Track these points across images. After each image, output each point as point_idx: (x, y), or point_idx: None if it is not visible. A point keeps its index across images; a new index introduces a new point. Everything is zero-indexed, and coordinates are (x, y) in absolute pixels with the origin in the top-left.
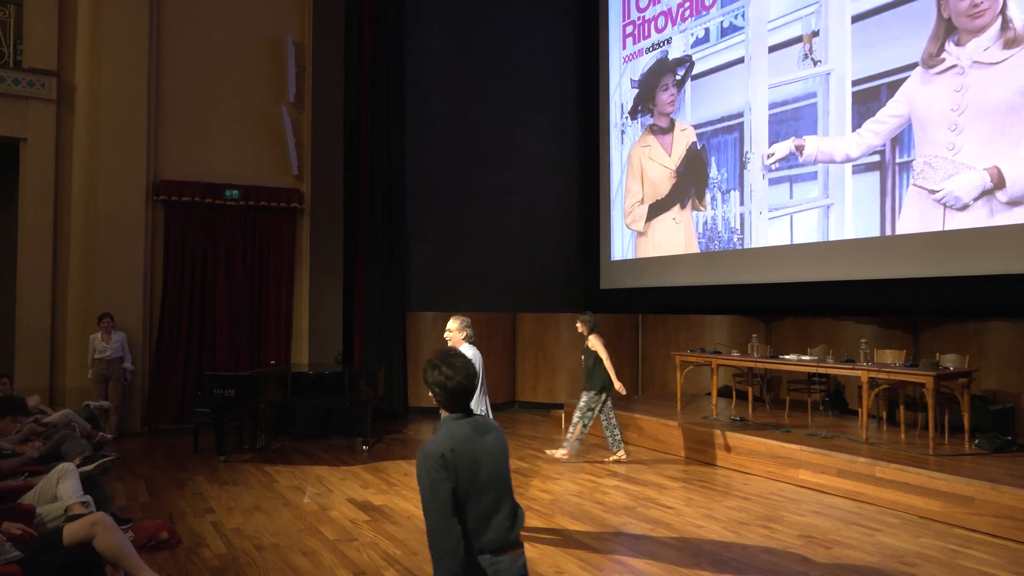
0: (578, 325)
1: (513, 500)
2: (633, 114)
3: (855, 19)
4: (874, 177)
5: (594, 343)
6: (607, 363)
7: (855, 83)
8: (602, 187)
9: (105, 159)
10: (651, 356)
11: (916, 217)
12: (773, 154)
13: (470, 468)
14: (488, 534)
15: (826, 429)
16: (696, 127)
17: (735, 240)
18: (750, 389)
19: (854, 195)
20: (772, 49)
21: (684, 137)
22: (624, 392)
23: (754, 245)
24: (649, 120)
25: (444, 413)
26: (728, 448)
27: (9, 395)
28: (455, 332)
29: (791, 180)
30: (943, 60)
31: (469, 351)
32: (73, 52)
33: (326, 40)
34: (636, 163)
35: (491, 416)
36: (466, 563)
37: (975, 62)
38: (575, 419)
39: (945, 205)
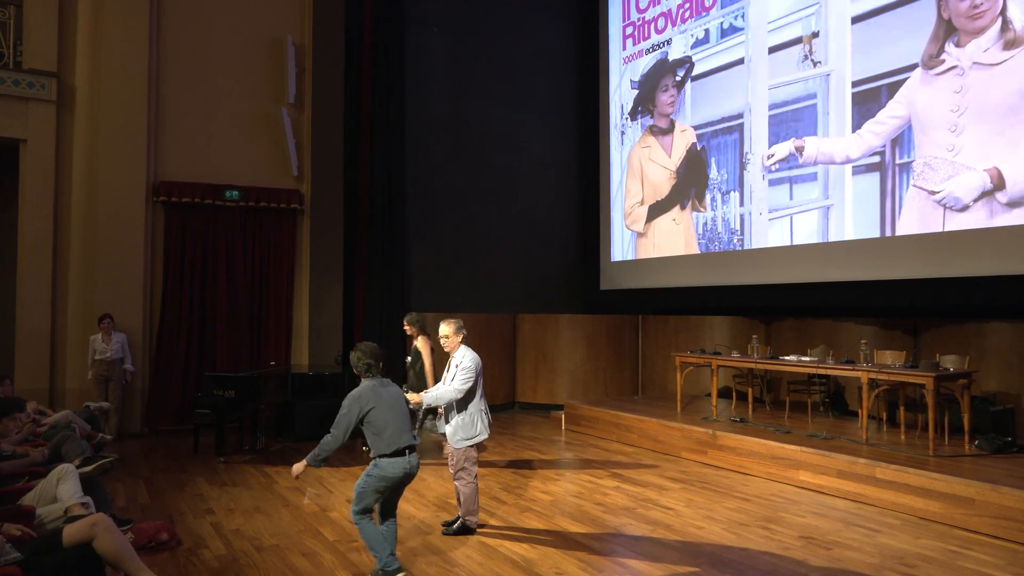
0: (406, 327)
1: (410, 423)
2: (633, 115)
3: (855, 20)
4: (874, 178)
5: (423, 345)
6: (428, 368)
7: (855, 84)
8: (602, 188)
9: (105, 160)
10: (651, 357)
11: (916, 218)
12: (773, 155)
13: (380, 403)
14: (401, 439)
15: (826, 430)
16: (696, 128)
17: (735, 241)
18: (750, 390)
19: (854, 196)
20: (772, 50)
21: (684, 138)
22: (419, 402)
23: (754, 246)
24: (649, 121)
25: (363, 380)
26: (728, 449)
27: (5, 395)
28: (452, 337)
29: (791, 181)
30: (943, 61)
31: (468, 353)
32: (73, 53)
33: (326, 41)
34: (636, 164)
35: (489, 417)
36: (383, 453)
37: (975, 63)
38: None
39: (945, 206)
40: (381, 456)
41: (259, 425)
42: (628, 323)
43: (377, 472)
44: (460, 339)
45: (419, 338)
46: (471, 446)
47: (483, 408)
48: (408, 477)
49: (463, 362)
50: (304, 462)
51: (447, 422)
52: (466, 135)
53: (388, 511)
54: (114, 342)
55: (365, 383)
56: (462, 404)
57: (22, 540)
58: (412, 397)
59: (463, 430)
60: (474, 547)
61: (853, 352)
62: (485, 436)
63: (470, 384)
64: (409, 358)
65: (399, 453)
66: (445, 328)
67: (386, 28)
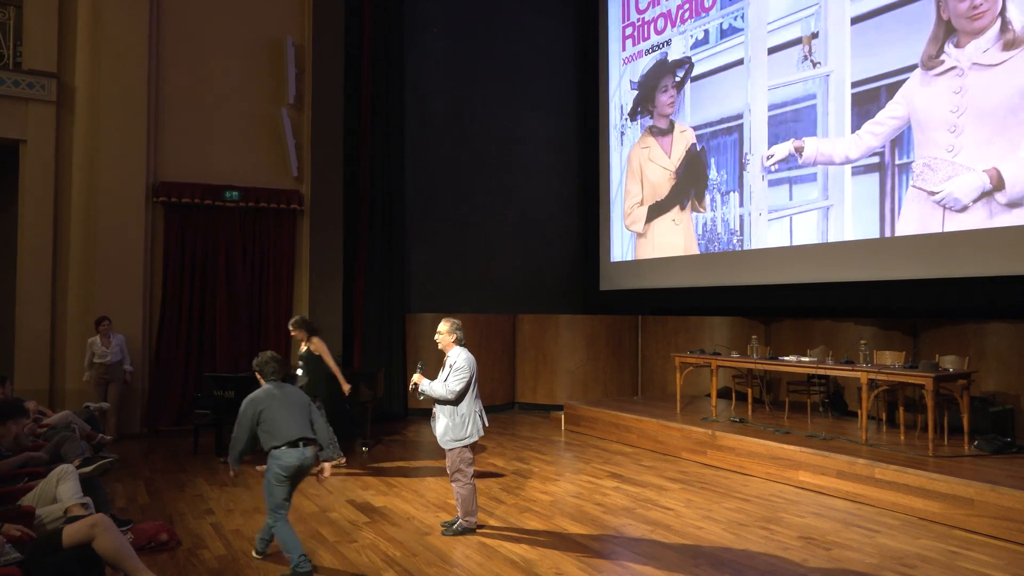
0: (292, 331)
1: (308, 420)
2: (633, 115)
3: (854, 21)
4: (873, 179)
5: (319, 346)
6: (334, 366)
7: (854, 85)
8: (601, 188)
9: (105, 161)
10: (651, 357)
11: (915, 219)
12: (772, 155)
13: (273, 402)
14: (293, 429)
15: (825, 430)
16: (696, 128)
17: (735, 241)
18: (750, 390)
19: (853, 196)
20: (771, 51)
21: (683, 138)
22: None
23: (753, 246)
24: (649, 121)
25: (263, 381)
26: (727, 449)
27: (6, 399)
28: (445, 335)
29: (791, 182)
30: (942, 62)
31: (462, 354)
32: (73, 54)
33: (326, 42)
34: (636, 164)
35: (484, 419)
36: (275, 445)
37: (974, 64)
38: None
39: (944, 207)
40: (275, 448)
41: None
42: (628, 323)
43: (274, 463)
44: (454, 339)
45: (312, 340)
46: (464, 447)
47: (477, 409)
48: (303, 468)
49: (457, 362)
50: (232, 467)
51: (436, 422)
52: (466, 135)
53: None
54: (113, 344)
55: (264, 386)
56: (454, 404)
57: (22, 540)
58: (415, 378)
59: (453, 431)
60: (473, 547)
61: (852, 352)
62: (476, 438)
63: (464, 385)
64: (300, 363)
65: (293, 444)
66: (442, 326)
67: (386, 29)
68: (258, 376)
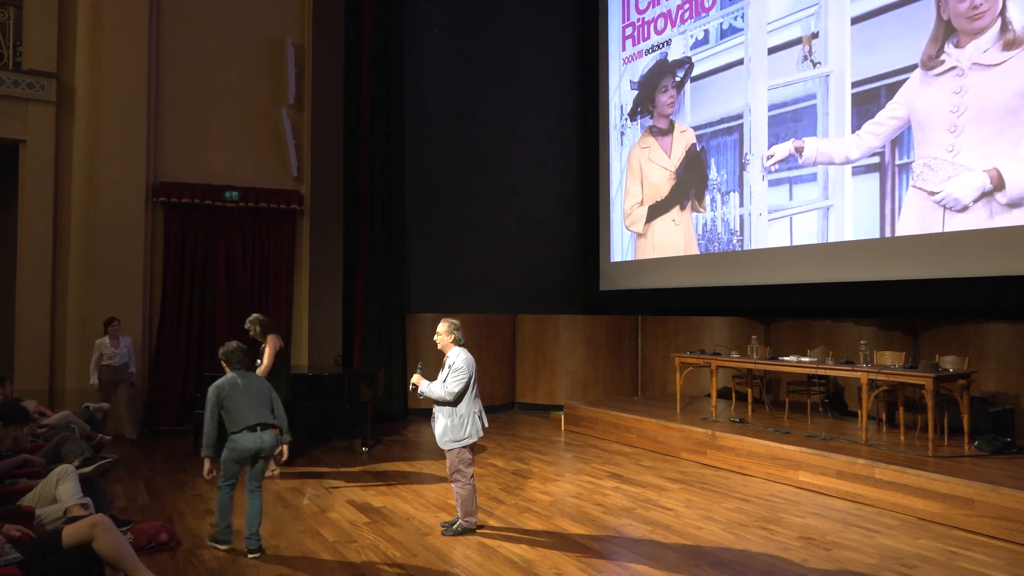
0: (248, 329)
1: (268, 407)
2: (633, 116)
3: (855, 21)
4: (874, 179)
5: (269, 344)
6: (264, 367)
7: (855, 85)
8: (601, 189)
9: (105, 161)
10: (650, 357)
11: (916, 219)
12: (773, 156)
13: (235, 390)
14: (252, 415)
15: (825, 431)
16: (696, 129)
17: (735, 241)
18: (749, 391)
19: (854, 197)
20: (772, 51)
21: (684, 139)
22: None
23: (754, 247)
24: (649, 122)
25: (228, 369)
26: (727, 450)
27: (8, 402)
28: (443, 335)
29: (791, 182)
30: (942, 62)
31: (462, 354)
32: (73, 54)
33: (326, 42)
34: (635, 165)
35: (484, 419)
36: (234, 430)
37: (974, 64)
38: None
39: (945, 207)
40: (234, 433)
41: None
42: (628, 324)
43: (232, 446)
44: (452, 339)
45: (267, 338)
46: (463, 448)
47: (476, 410)
48: (259, 451)
49: (456, 363)
50: (203, 455)
51: (436, 422)
52: (466, 135)
53: (252, 488)
54: (122, 346)
55: (228, 374)
56: (453, 405)
57: (22, 541)
58: (414, 379)
59: (452, 431)
60: (473, 548)
61: (852, 353)
62: (475, 439)
63: (462, 386)
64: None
65: (251, 429)
66: (440, 326)
67: (386, 29)
68: (224, 365)
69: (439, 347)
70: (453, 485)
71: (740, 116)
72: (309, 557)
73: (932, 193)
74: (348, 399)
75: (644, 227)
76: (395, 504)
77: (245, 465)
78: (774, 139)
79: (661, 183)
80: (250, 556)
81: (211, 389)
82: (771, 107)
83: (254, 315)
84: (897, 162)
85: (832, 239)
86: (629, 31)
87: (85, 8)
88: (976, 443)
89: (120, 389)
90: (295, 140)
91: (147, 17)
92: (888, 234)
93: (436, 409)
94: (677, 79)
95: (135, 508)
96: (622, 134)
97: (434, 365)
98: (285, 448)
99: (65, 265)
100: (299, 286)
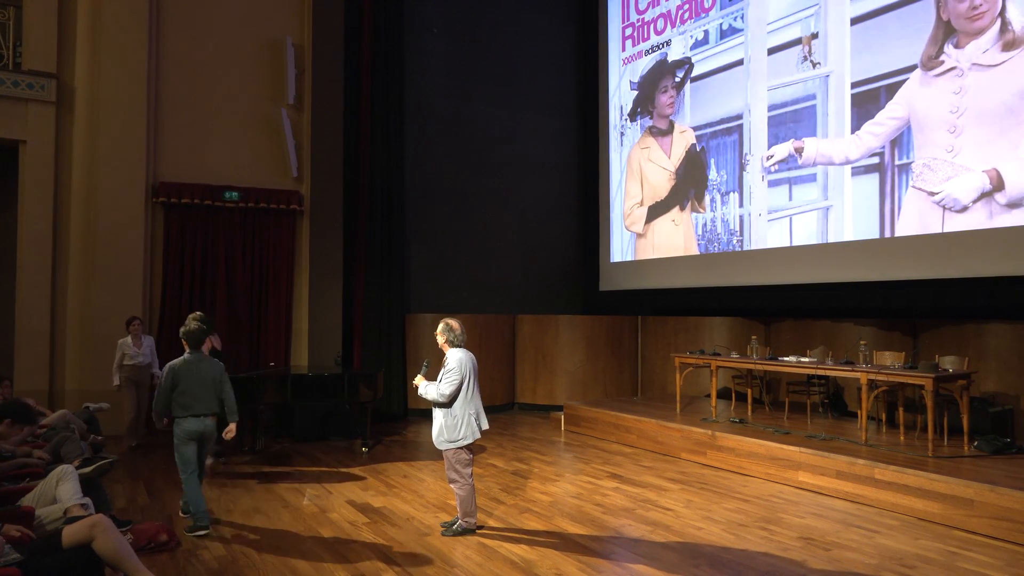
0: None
1: (216, 394)
2: (632, 116)
3: (854, 21)
4: (873, 179)
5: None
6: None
7: (854, 85)
8: (601, 189)
9: (104, 161)
10: (650, 358)
11: (915, 219)
12: (772, 156)
13: (189, 373)
14: (199, 406)
15: (825, 431)
16: (695, 129)
17: (734, 242)
18: (749, 391)
19: (853, 197)
20: (771, 51)
21: (683, 139)
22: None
23: (753, 247)
24: (648, 122)
25: (187, 349)
26: (727, 450)
27: (11, 400)
28: (439, 337)
29: (790, 182)
30: (942, 62)
31: (455, 355)
32: (73, 54)
33: (326, 42)
34: (635, 165)
35: (484, 418)
36: (180, 416)
37: (974, 64)
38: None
39: (944, 207)
40: (180, 418)
41: (258, 426)
42: (627, 324)
43: (178, 431)
44: (445, 340)
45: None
46: (459, 448)
47: (472, 411)
48: (203, 435)
49: (449, 363)
50: (158, 425)
51: (435, 422)
52: (465, 136)
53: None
54: (144, 346)
55: (185, 356)
56: (448, 406)
57: (21, 541)
58: (416, 379)
59: (447, 432)
60: (473, 548)
61: (852, 353)
62: (470, 440)
63: (454, 388)
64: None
65: (195, 415)
66: (439, 327)
67: (386, 29)
68: (184, 343)
69: (441, 347)
70: (452, 485)
71: (740, 116)
72: (309, 557)
73: (932, 193)
74: (348, 399)
75: (644, 227)
76: (395, 504)
77: (195, 445)
78: (774, 139)
79: (661, 183)
80: (198, 533)
81: (167, 370)
82: (771, 107)
83: (197, 313)
84: (897, 162)
85: (832, 239)
86: (629, 31)
87: (85, 8)
88: (976, 443)
89: (140, 392)
90: (295, 140)
91: (147, 17)
92: (888, 234)
93: (434, 409)
94: (677, 79)
95: (135, 508)
96: (622, 134)
97: (437, 365)
98: (233, 427)
99: (65, 265)
100: (299, 286)
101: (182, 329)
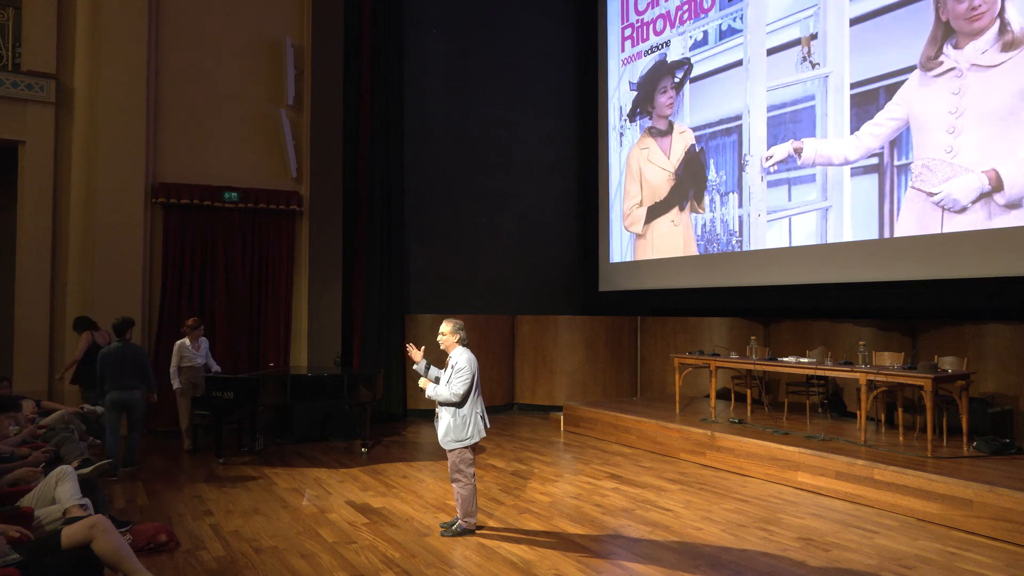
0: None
1: (139, 371)
2: (632, 116)
3: (853, 22)
4: (872, 180)
5: (87, 338)
6: (69, 362)
7: (853, 86)
8: (601, 189)
9: (104, 162)
10: (650, 358)
11: (914, 220)
12: (772, 156)
13: (117, 358)
14: (123, 380)
15: (824, 431)
16: (695, 129)
17: (734, 242)
18: (749, 391)
19: (852, 197)
20: (771, 52)
21: (683, 139)
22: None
23: (753, 247)
24: (648, 122)
25: (115, 338)
26: (727, 450)
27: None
28: (448, 335)
29: (790, 182)
30: (941, 63)
31: (465, 354)
32: (72, 55)
33: (325, 43)
34: (635, 165)
35: (486, 420)
36: (106, 390)
37: (973, 65)
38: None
39: (943, 208)
40: (110, 390)
41: (258, 426)
42: (627, 324)
43: (107, 398)
44: (456, 339)
45: (83, 335)
46: (464, 448)
47: (478, 411)
48: (128, 402)
49: (459, 363)
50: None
51: (439, 422)
52: (465, 136)
53: (131, 428)
54: (202, 347)
55: (114, 343)
56: (460, 405)
57: (21, 542)
58: (421, 383)
59: (455, 432)
60: (472, 548)
61: (851, 353)
62: (477, 439)
63: (467, 386)
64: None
65: (122, 388)
66: (444, 326)
67: (385, 30)
68: (113, 333)
69: (442, 347)
70: (454, 485)
71: (739, 117)
72: (308, 558)
73: (931, 194)
74: (347, 400)
75: (643, 228)
76: (394, 505)
77: (119, 411)
78: (773, 140)
79: (660, 184)
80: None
81: (100, 355)
82: (770, 108)
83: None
84: (896, 163)
85: (831, 240)
86: (628, 32)
87: (85, 9)
88: (975, 444)
89: (196, 394)
90: (294, 141)
91: (146, 18)
92: (887, 235)
93: (440, 409)
94: (676, 80)
95: (134, 509)
96: (621, 135)
97: (434, 365)
98: (153, 395)
99: (64, 265)
100: (298, 287)
101: (112, 323)
